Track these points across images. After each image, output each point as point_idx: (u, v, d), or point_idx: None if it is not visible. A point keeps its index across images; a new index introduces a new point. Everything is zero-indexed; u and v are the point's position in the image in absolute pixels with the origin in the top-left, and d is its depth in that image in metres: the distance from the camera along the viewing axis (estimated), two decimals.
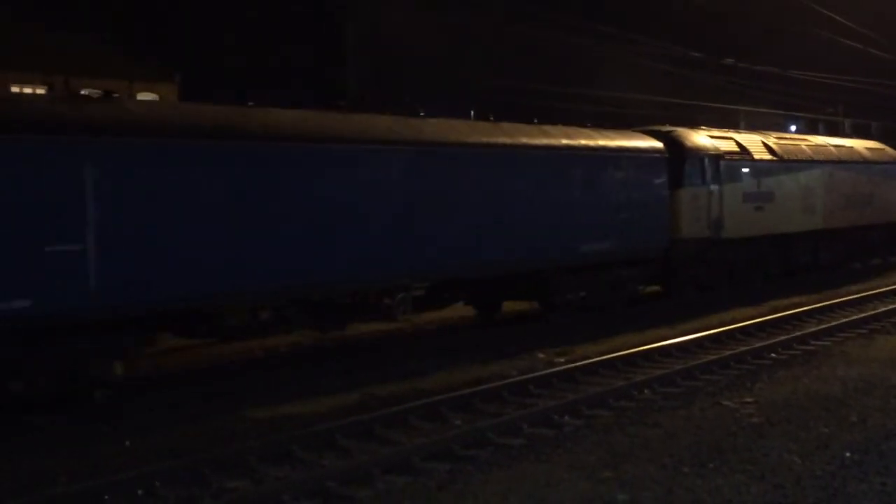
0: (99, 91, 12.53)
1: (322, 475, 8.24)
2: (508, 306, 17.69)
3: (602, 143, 17.31)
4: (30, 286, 9.73)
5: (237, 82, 32.69)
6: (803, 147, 24.21)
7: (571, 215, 16.23)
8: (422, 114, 14.99)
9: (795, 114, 39.53)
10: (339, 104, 14.87)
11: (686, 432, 9.37)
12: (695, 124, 21.81)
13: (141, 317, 10.91)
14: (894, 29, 33.39)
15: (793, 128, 40.24)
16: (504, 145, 15.38)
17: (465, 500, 7.52)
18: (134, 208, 10.58)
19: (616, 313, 17.15)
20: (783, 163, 22.50)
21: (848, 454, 8.45)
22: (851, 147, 27.01)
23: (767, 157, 22.01)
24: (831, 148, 25.54)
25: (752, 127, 28.62)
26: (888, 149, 28.87)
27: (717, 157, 20.18)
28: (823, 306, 18.36)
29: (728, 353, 13.74)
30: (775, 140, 23.26)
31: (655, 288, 20.00)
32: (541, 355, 13.75)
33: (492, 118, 16.27)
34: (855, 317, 17.01)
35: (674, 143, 19.18)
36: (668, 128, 20.17)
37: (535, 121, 16.83)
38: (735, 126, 27.79)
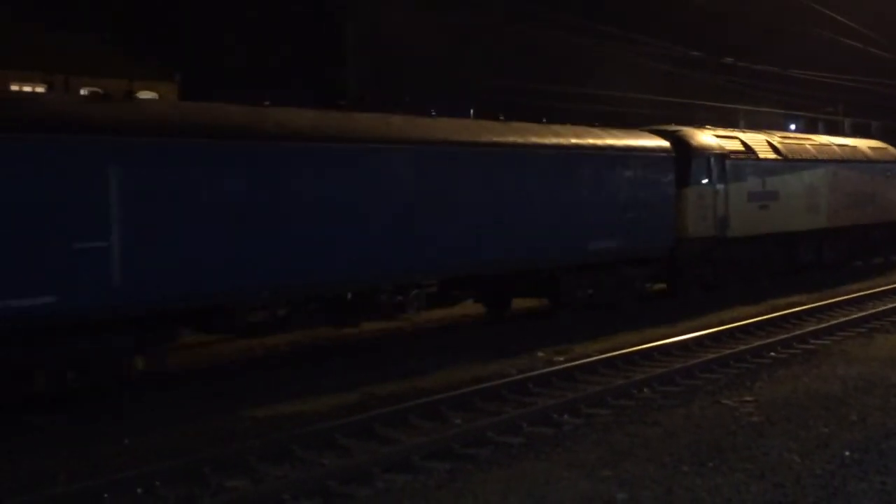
0: (99, 90, 12.56)
1: (322, 474, 8.24)
2: (516, 303, 17.76)
3: (610, 142, 17.46)
4: (55, 282, 9.91)
5: (237, 82, 32.69)
6: (807, 146, 24.35)
7: (580, 214, 16.37)
8: (433, 113, 15.07)
9: (795, 113, 39.53)
10: (340, 104, 14.85)
11: (686, 431, 9.37)
12: (694, 123, 21.86)
13: (162, 313, 11.08)
14: (894, 29, 33.38)
15: (792, 127, 40.25)
16: (515, 144, 15.53)
17: (465, 498, 7.52)
18: (156, 206, 10.79)
19: (616, 312, 17.16)
20: (788, 162, 22.63)
21: (848, 453, 8.45)
22: (855, 146, 27.16)
23: (772, 156, 22.15)
24: (835, 147, 25.68)
25: (752, 126, 28.66)
26: (891, 148, 29.00)
27: (723, 156, 20.31)
28: (823, 305, 18.38)
29: (728, 351, 13.75)
30: (780, 139, 23.41)
31: (661, 286, 20.10)
32: (540, 354, 13.75)
33: (502, 117, 16.33)
34: (855, 316, 17.01)
35: (680, 143, 19.32)
36: (674, 127, 20.32)
37: (544, 120, 16.94)
38: (735, 125, 27.82)
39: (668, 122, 21.35)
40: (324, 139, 12.78)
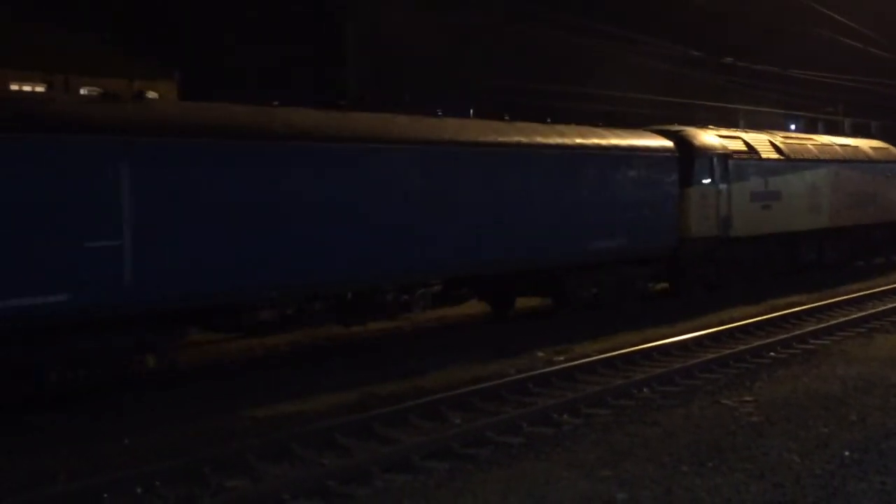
0: (98, 89, 12.67)
1: (321, 474, 8.25)
2: (520, 303, 17.83)
3: (614, 142, 17.54)
4: (68, 280, 10.01)
5: (237, 82, 32.69)
6: (809, 146, 24.44)
7: (584, 213, 16.46)
8: (439, 113, 15.11)
9: (795, 113, 39.54)
10: (340, 103, 14.85)
11: (685, 431, 9.37)
12: (695, 123, 21.90)
13: (172, 311, 11.18)
14: (894, 29, 33.38)
15: (792, 127, 40.27)
16: (519, 144, 15.60)
17: (465, 498, 7.52)
18: (166, 206, 10.90)
19: (615, 312, 17.17)
20: (790, 162, 22.72)
21: (847, 453, 8.45)
22: (857, 147, 27.26)
23: (775, 156, 22.24)
24: (837, 147, 25.78)
25: (752, 126, 28.70)
26: (892, 148, 29.08)
27: (726, 156, 20.39)
28: (823, 305, 18.38)
29: (727, 351, 13.75)
30: (782, 139, 23.51)
31: (663, 286, 20.18)
32: (540, 354, 13.75)
33: (506, 117, 16.37)
34: (854, 316, 17.02)
35: (683, 143, 19.40)
36: (677, 127, 20.39)
37: (549, 120, 16.99)
38: (734, 125, 27.86)
39: (668, 122, 21.38)
40: (330, 139, 12.85)
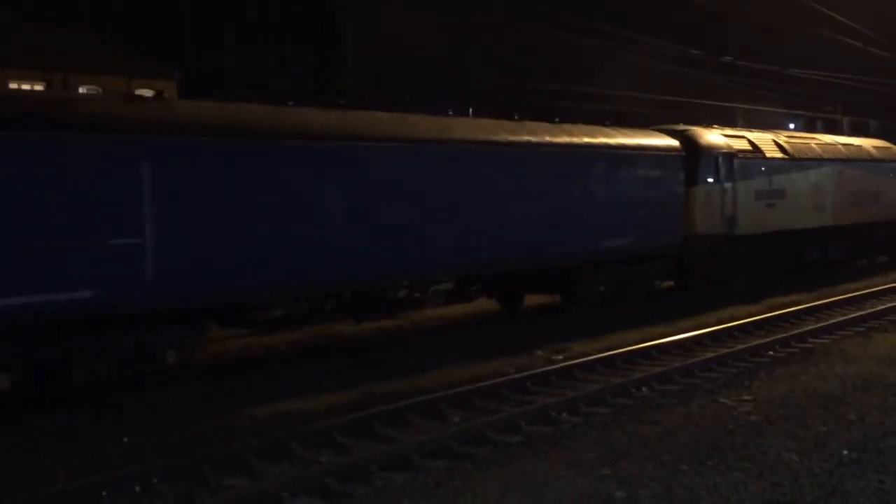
0: (97, 87, 12.82)
1: (321, 472, 8.25)
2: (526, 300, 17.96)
3: (622, 141, 17.72)
4: (93, 277, 10.20)
5: (237, 82, 32.69)
6: (813, 146, 24.60)
7: (594, 212, 16.62)
8: (450, 112, 15.18)
9: (794, 112, 39.55)
10: (339, 102, 14.86)
11: (684, 430, 9.37)
12: (694, 122, 21.98)
13: (192, 308, 11.36)
14: (894, 28, 33.39)
15: (791, 126, 40.29)
16: (530, 143, 15.72)
17: (464, 497, 7.52)
18: (186, 205, 11.07)
19: (615, 311, 17.19)
20: (794, 161, 22.88)
21: (846, 452, 8.45)
22: (860, 146, 27.47)
23: (779, 155, 22.41)
24: (840, 147, 25.97)
25: (751, 125, 28.77)
26: (894, 147, 29.16)
27: (731, 155, 20.56)
28: (822, 304, 18.39)
29: (726, 351, 13.76)
30: (786, 139, 23.68)
31: (668, 283, 20.32)
32: (539, 353, 13.76)
33: (516, 117, 16.44)
34: (853, 315, 17.02)
35: (689, 142, 19.60)
36: (682, 126, 20.59)
37: (557, 119, 17.11)
38: (733, 124, 27.92)
39: (668, 121, 21.50)
40: (347, 138, 12.99)
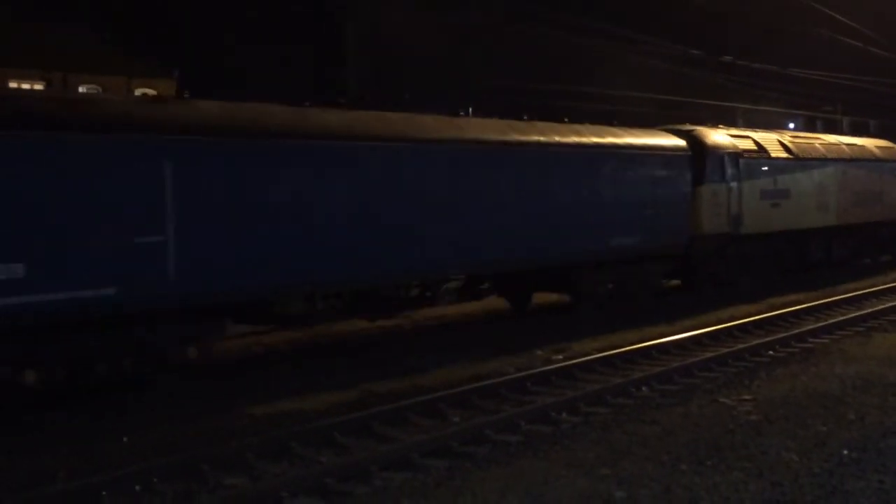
0: (96, 86, 12.97)
1: (320, 472, 8.25)
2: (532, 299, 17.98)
3: (630, 141, 17.80)
4: (117, 275, 10.36)
5: (237, 81, 32.70)
6: (817, 145, 24.73)
7: (602, 211, 16.70)
8: (461, 113, 15.24)
9: (794, 111, 39.56)
10: (339, 101, 14.86)
11: (684, 430, 9.37)
12: (695, 121, 22.04)
13: (212, 305, 11.51)
14: (894, 28, 33.39)
15: (791, 125, 40.30)
16: (539, 143, 15.80)
17: (464, 496, 7.52)
18: (207, 203, 11.21)
19: (615, 311, 17.20)
20: (799, 161, 22.99)
21: (846, 452, 8.45)
22: (863, 146, 27.59)
23: (784, 155, 22.53)
24: (844, 146, 26.11)
25: (751, 124, 28.83)
26: None
27: (737, 155, 20.66)
28: (821, 304, 18.40)
29: (726, 350, 13.76)
30: (791, 139, 23.81)
31: (675, 282, 20.45)
32: (539, 352, 13.76)
33: (525, 117, 16.49)
34: (853, 315, 17.03)
35: (695, 142, 19.69)
36: (688, 126, 20.69)
37: (566, 119, 17.21)
38: (733, 124, 27.95)
39: (668, 121, 21.56)
40: (363, 139, 13.09)
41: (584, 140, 16.75)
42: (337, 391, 11.27)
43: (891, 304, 18.38)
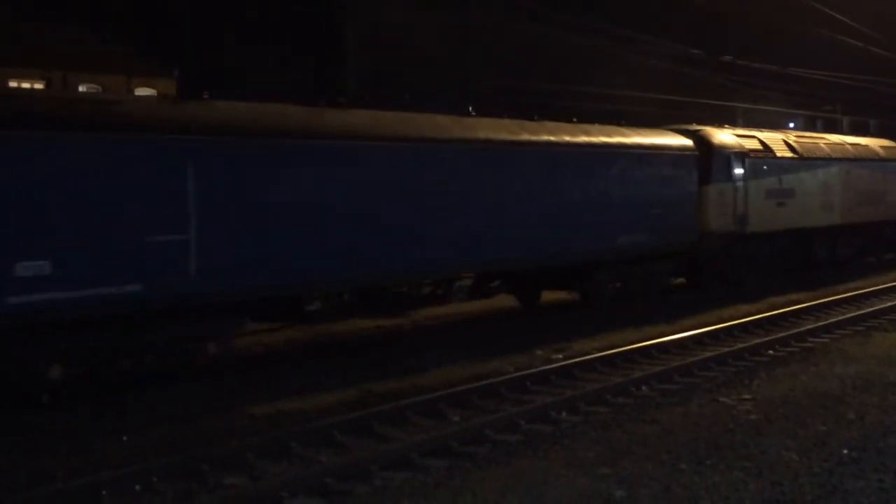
0: (96, 86, 13.17)
1: (320, 471, 8.26)
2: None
3: (638, 140, 17.96)
4: (140, 272, 10.56)
5: (236, 81, 32.67)
6: (822, 145, 24.91)
7: (611, 210, 16.86)
8: (473, 113, 15.29)
9: (794, 111, 39.56)
10: (339, 100, 14.85)
11: (684, 429, 9.37)
12: (695, 121, 22.11)
13: (232, 302, 11.68)
14: (894, 28, 33.39)
15: (791, 125, 40.31)
16: (550, 143, 15.91)
17: (463, 496, 7.52)
18: (228, 203, 11.39)
19: (614, 311, 17.21)
20: (804, 160, 23.16)
21: (845, 451, 8.46)
22: (867, 145, 27.79)
23: (789, 154, 22.71)
24: (848, 146, 26.29)
25: (750, 124, 28.91)
26: None
27: (743, 154, 20.83)
28: (821, 303, 18.41)
29: (726, 350, 13.76)
30: (796, 138, 24.02)
31: (681, 280, 20.57)
32: (539, 352, 13.76)
33: (536, 117, 16.55)
34: (853, 314, 17.04)
35: (701, 141, 19.86)
36: (695, 126, 20.84)
37: (574, 119, 17.32)
38: (733, 123, 27.98)
39: (668, 121, 21.67)
40: (381, 138, 13.24)
41: (594, 140, 16.89)
42: (337, 391, 11.27)
43: (891, 303, 18.39)
